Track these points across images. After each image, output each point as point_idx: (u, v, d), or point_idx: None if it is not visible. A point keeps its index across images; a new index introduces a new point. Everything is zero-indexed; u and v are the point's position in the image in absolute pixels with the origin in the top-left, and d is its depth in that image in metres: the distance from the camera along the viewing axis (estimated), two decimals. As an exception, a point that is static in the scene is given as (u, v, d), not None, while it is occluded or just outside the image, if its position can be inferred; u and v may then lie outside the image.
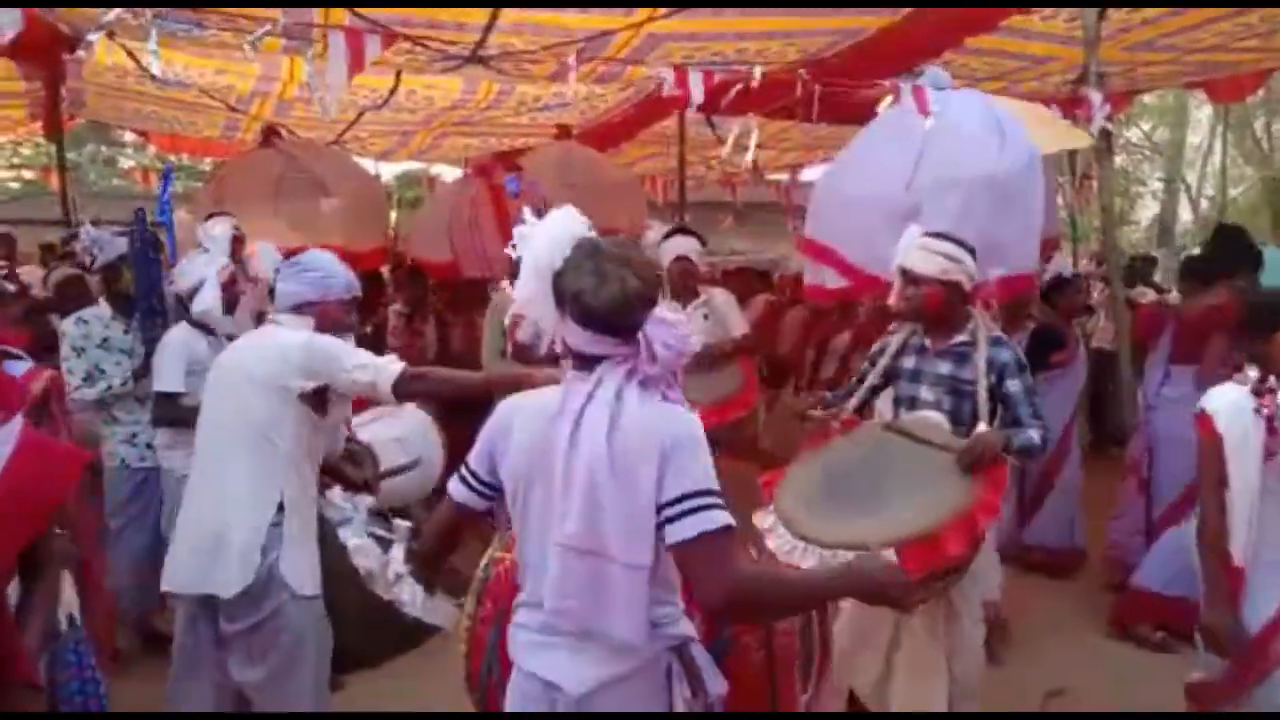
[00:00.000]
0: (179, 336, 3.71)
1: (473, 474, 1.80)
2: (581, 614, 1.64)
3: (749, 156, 6.93)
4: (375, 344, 5.89)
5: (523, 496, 1.71)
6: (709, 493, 1.61)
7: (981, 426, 2.85)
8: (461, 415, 5.57)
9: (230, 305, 3.84)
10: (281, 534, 2.49)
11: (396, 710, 3.36)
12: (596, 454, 1.60)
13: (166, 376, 3.61)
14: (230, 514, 2.52)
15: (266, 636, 2.49)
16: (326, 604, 2.50)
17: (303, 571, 2.52)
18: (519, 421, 1.73)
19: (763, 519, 2.64)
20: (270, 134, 6.27)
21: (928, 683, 2.87)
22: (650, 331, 1.63)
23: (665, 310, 1.66)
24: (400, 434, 3.87)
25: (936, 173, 3.63)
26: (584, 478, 1.61)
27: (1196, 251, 5.01)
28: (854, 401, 3.16)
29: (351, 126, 7.62)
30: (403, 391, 2.53)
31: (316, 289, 2.70)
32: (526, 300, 1.68)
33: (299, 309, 2.69)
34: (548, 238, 1.67)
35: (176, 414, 3.59)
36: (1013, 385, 2.95)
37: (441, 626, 2.48)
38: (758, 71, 4.74)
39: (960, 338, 3.03)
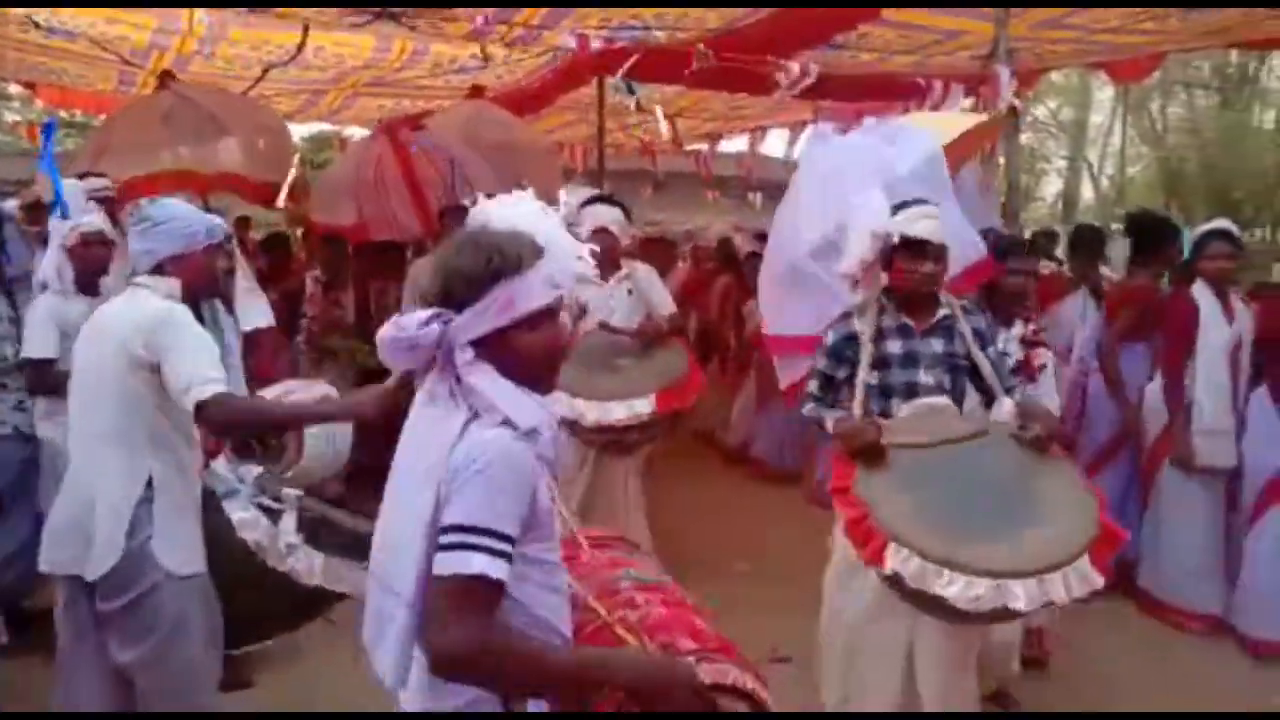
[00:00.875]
0: (46, 301, 3.54)
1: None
2: None
3: (662, 125, 6.93)
4: (289, 313, 5.71)
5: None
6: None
7: (972, 400, 2.82)
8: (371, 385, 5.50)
9: (88, 269, 3.64)
10: (152, 511, 2.39)
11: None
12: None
13: (35, 343, 3.46)
14: (95, 491, 2.41)
15: (142, 617, 2.40)
16: (216, 580, 2.42)
17: (179, 550, 2.42)
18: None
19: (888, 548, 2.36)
20: (165, 78, 5.99)
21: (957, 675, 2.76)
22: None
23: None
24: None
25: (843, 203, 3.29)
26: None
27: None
28: (858, 407, 2.86)
29: (257, 84, 7.30)
30: (206, 417, 2.33)
31: (174, 242, 2.51)
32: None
33: (160, 269, 2.51)
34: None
35: (48, 381, 3.45)
36: (992, 351, 2.90)
37: (345, 593, 2.42)
38: (660, 34, 4.73)
39: (943, 311, 2.90)
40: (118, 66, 6.72)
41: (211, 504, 2.40)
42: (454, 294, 1.45)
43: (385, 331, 1.43)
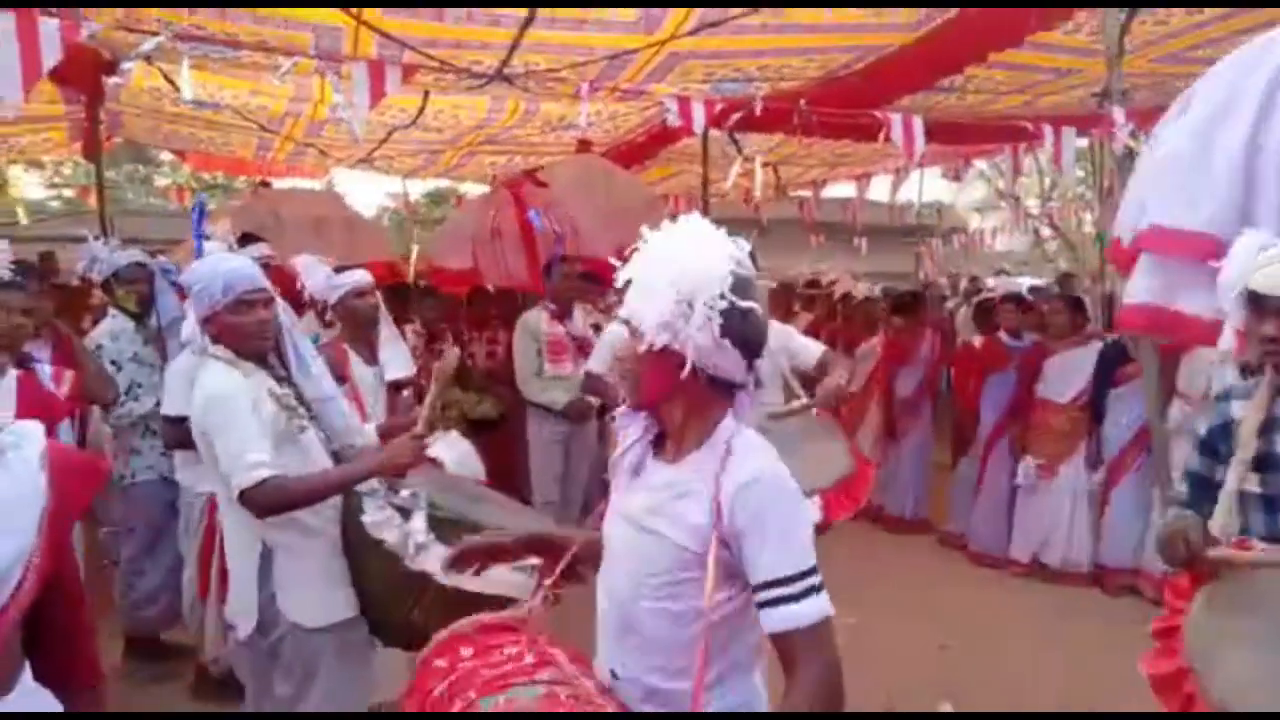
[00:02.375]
0: (185, 360, 3.53)
1: None
2: None
3: (758, 178, 6.97)
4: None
5: None
6: None
7: None
8: (482, 435, 5.67)
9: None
10: (271, 569, 2.46)
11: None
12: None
13: (171, 400, 3.54)
14: (231, 551, 2.55)
15: (282, 659, 2.50)
16: (369, 581, 2.49)
17: (305, 605, 2.47)
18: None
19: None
20: (261, 185, 6.59)
21: None
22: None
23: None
24: (449, 459, 3.79)
25: None
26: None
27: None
28: (1221, 512, 2.13)
29: (381, 145, 7.75)
30: (253, 505, 2.32)
31: (200, 304, 2.47)
32: (664, 316, 1.53)
33: (212, 334, 2.49)
34: (701, 254, 1.53)
35: (182, 438, 3.43)
36: None
37: (509, 596, 2.36)
38: (758, 101, 4.81)
39: None
40: (257, 134, 7.27)
41: (353, 502, 2.46)
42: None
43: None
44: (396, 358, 3.99)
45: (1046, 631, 4.56)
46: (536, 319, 5.18)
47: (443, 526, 2.38)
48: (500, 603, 2.37)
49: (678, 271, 1.49)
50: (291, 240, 5.94)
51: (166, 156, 14.57)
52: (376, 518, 2.40)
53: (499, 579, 2.30)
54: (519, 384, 5.12)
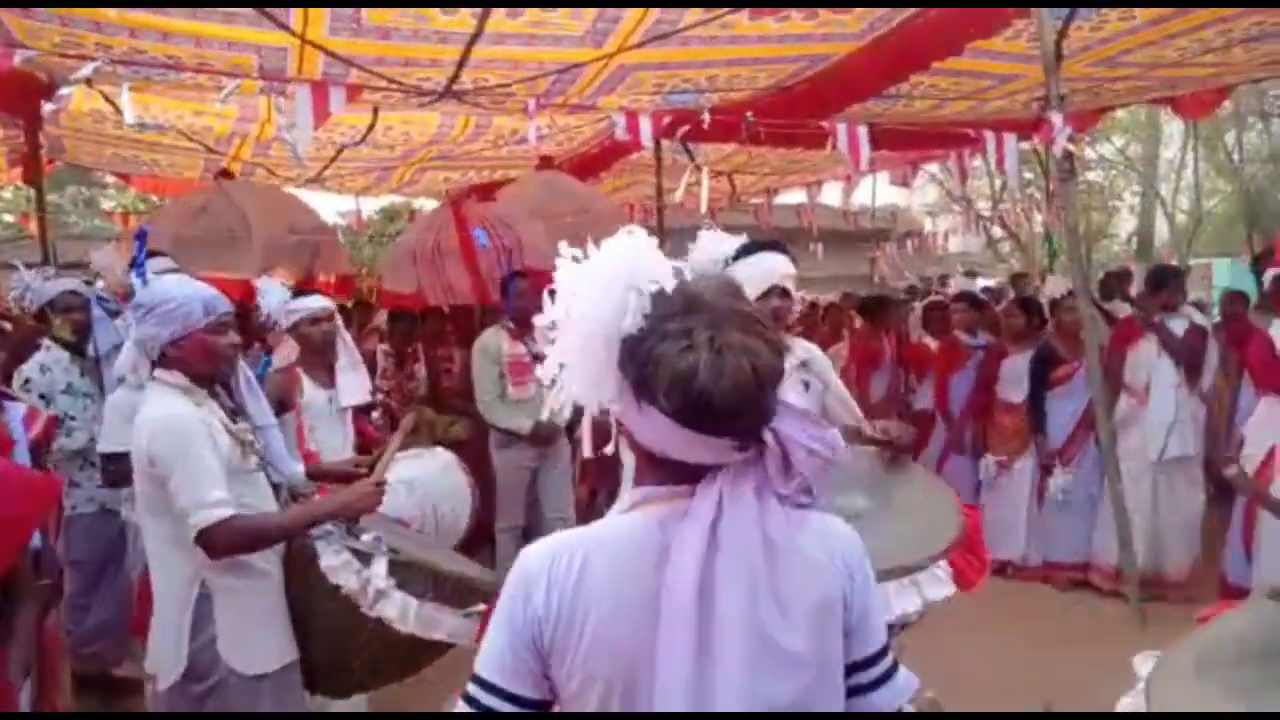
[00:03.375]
0: (121, 395, 3.42)
1: (504, 694, 1.14)
2: None
3: (704, 189, 7.06)
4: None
5: (622, 700, 1.11)
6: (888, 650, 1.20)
7: None
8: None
9: None
10: (210, 612, 2.32)
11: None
12: (755, 608, 1.08)
13: (108, 436, 3.37)
14: (158, 595, 2.39)
15: (221, 704, 2.35)
16: (320, 630, 2.40)
17: (246, 651, 2.34)
18: (590, 586, 1.12)
19: None
20: (222, 175, 6.42)
21: None
22: (784, 430, 1.11)
23: (790, 393, 1.22)
24: (411, 476, 3.69)
25: None
26: (738, 647, 1.07)
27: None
28: None
29: (330, 164, 7.69)
30: (208, 545, 2.22)
31: (168, 325, 2.34)
32: (572, 373, 1.15)
33: (164, 359, 2.36)
34: (612, 280, 1.12)
35: (120, 473, 3.28)
36: None
37: (447, 642, 2.37)
38: (706, 113, 4.88)
39: None
40: (203, 155, 7.18)
41: (305, 545, 2.38)
42: (765, 402, 1.14)
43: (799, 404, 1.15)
44: (352, 385, 3.94)
45: (1005, 627, 4.63)
46: (495, 340, 5.02)
47: (402, 572, 2.37)
48: (443, 650, 2.40)
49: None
50: (258, 250, 5.87)
51: (111, 179, 14.30)
52: (333, 561, 2.33)
53: (447, 625, 2.33)
54: (480, 409, 5.00)
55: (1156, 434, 5.03)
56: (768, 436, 1.10)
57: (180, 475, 2.22)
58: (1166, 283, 5.26)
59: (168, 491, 2.25)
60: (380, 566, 2.33)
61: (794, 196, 10.09)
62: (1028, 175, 14.92)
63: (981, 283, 7.15)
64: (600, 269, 1.14)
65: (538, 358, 5.17)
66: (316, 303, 3.86)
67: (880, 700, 1.22)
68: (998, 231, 20.20)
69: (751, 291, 2.83)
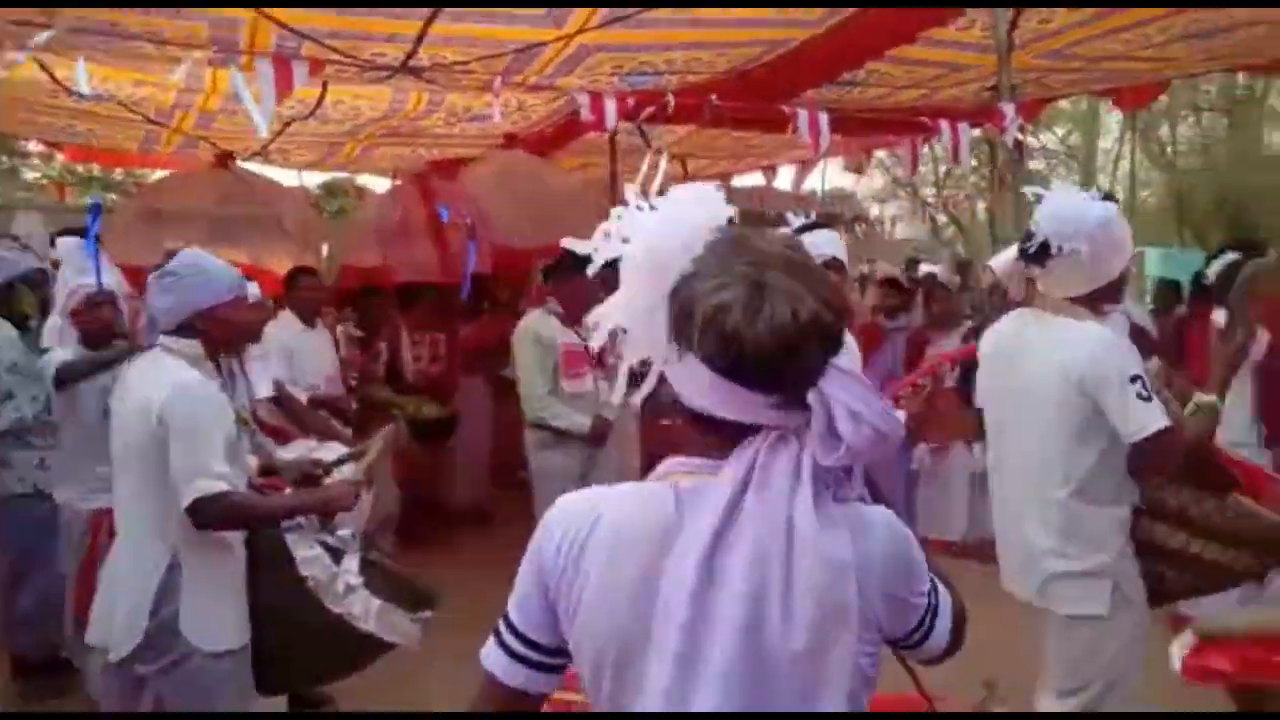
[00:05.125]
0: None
1: (524, 639, 1.15)
2: None
3: (659, 176, 7.12)
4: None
5: (612, 673, 1.09)
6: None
7: None
8: (430, 438, 5.63)
9: (93, 332, 3.61)
10: (178, 584, 2.34)
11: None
12: (757, 606, 1.02)
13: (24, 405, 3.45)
14: (120, 563, 2.42)
15: (173, 684, 2.39)
16: (278, 618, 2.44)
17: (210, 627, 2.37)
18: (595, 548, 1.09)
19: None
20: (225, 159, 6.30)
21: None
22: (831, 392, 1.03)
23: (846, 359, 1.07)
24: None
25: None
26: (733, 644, 1.02)
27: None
28: None
29: (277, 138, 7.54)
30: (199, 515, 2.27)
31: (199, 295, 2.43)
32: (626, 316, 1.11)
33: (184, 327, 2.43)
34: (675, 223, 1.09)
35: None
36: None
37: (396, 643, 2.47)
38: (670, 96, 4.90)
39: None
40: (143, 126, 6.98)
41: (274, 537, 2.43)
42: (813, 356, 1.09)
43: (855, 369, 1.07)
44: (259, 377, 3.99)
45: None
46: (547, 326, 4.51)
47: (372, 571, 2.43)
48: (381, 652, 2.47)
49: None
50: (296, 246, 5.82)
51: (36, 148, 13.80)
52: (305, 554, 2.40)
53: (402, 628, 2.42)
54: (527, 404, 4.48)
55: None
56: (812, 398, 1.03)
57: (188, 442, 2.28)
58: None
59: (163, 455, 2.28)
60: (352, 563, 2.39)
61: (750, 179, 10.18)
62: (971, 163, 15.30)
63: (925, 268, 7.36)
64: (662, 213, 1.11)
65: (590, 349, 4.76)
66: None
67: (932, 647, 1.22)
68: (942, 218, 20.66)
69: None
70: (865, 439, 1.02)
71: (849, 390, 1.03)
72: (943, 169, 19.57)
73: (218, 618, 2.40)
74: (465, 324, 6.74)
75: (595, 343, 1.15)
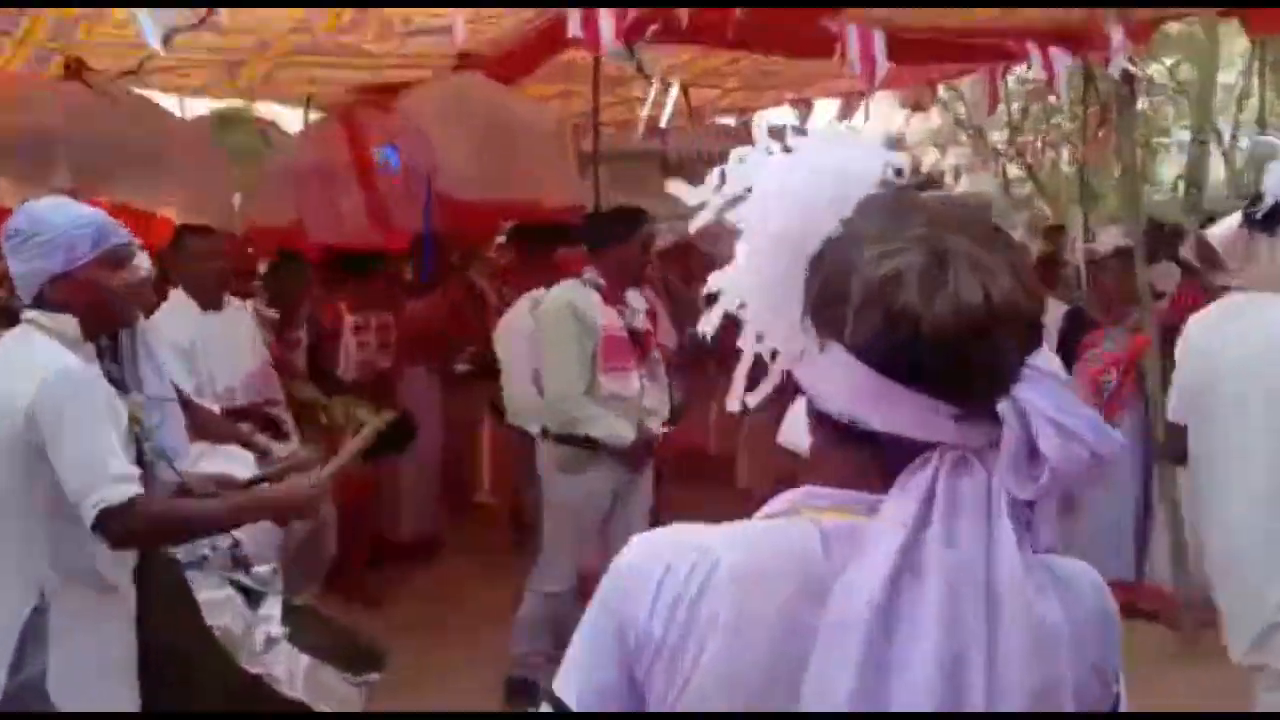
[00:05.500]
0: None
1: None
2: None
3: (669, 107, 7.08)
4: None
5: None
6: None
7: None
8: (380, 451, 5.59)
9: None
10: (46, 633, 2.32)
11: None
12: (951, 687, 0.94)
13: None
14: None
15: None
16: (175, 679, 2.41)
17: (88, 687, 2.35)
18: (713, 608, 1.01)
19: None
20: (78, 67, 6.20)
21: None
22: (1031, 400, 0.96)
23: (1044, 358, 0.99)
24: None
25: None
26: None
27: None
28: None
29: (154, 56, 7.47)
30: (111, 529, 2.26)
31: (49, 258, 2.39)
32: (749, 291, 1.07)
33: (43, 297, 2.42)
34: (812, 169, 1.05)
35: None
36: None
37: (330, 711, 2.46)
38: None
39: None
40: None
41: (172, 574, 2.42)
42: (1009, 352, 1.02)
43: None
44: None
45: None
46: (585, 301, 4.31)
47: (299, 619, 2.41)
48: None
49: None
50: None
51: None
52: (212, 596, 2.38)
53: (339, 693, 2.40)
54: (558, 403, 4.33)
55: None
56: (1004, 409, 0.96)
57: (76, 444, 2.27)
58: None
59: (30, 465, 2.27)
60: (274, 608, 2.37)
61: (774, 117, 10.17)
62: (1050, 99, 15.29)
63: (1107, 240, 7.37)
64: (803, 159, 1.07)
65: (637, 336, 4.92)
66: None
67: None
68: (1014, 170, 20.75)
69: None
70: (1075, 462, 0.94)
71: (1053, 397, 0.95)
72: (1016, 107, 19.61)
73: (96, 679, 2.38)
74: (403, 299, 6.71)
75: (708, 327, 1.10)
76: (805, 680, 0.95)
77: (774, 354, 1.10)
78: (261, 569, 2.43)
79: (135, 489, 2.28)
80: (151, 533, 2.35)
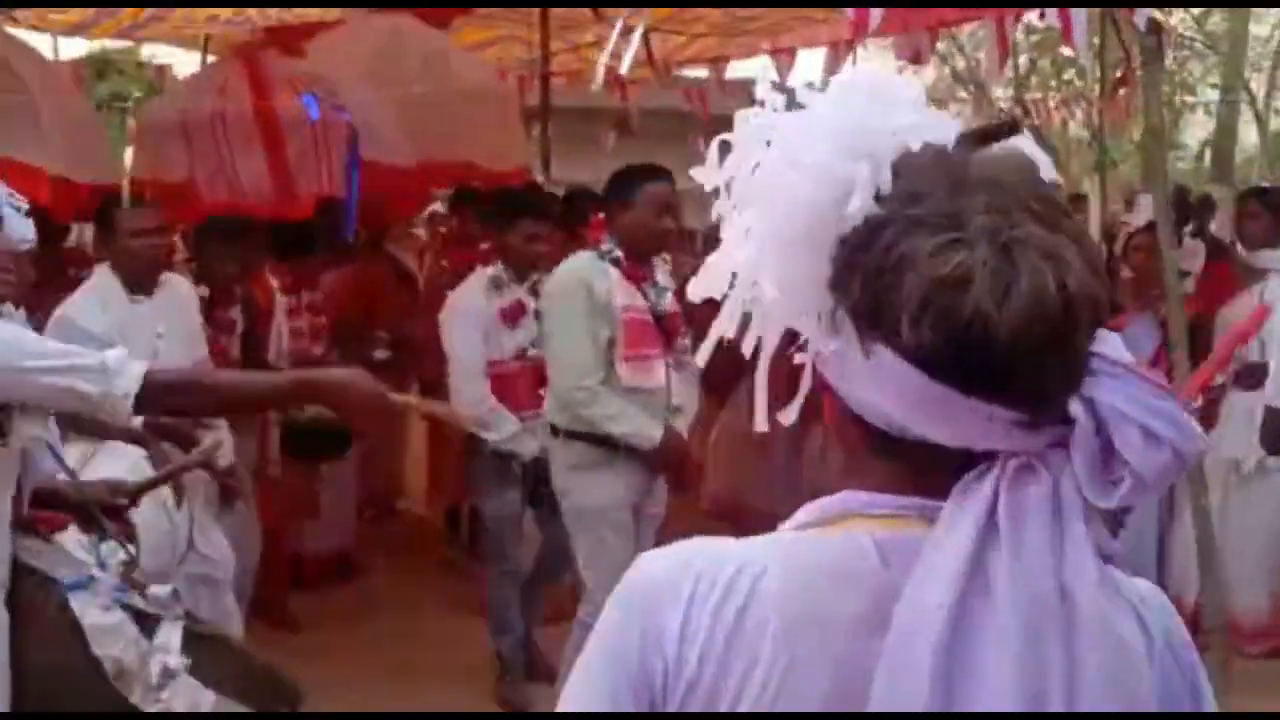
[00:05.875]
0: None
1: None
2: None
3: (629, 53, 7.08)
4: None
5: None
6: None
7: None
8: (312, 456, 5.57)
9: None
10: None
11: None
12: (1038, 704, 0.93)
13: None
14: None
15: None
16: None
17: None
18: (756, 631, 1.00)
19: None
20: None
21: None
22: (1106, 398, 0.96)
23: (1113, 343, 0.99)
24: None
25: None
26: None
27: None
28: None
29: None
30: (152, 407, 2.36)
31: None
32: (766, 271, 1.04)
33: None
34: (839, 127, 1.01)
35: None
36: None
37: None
38: None
39: None
40: None
41: (52, 596, 2.40)
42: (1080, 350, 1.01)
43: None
44: None
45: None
46: (603, 276, 4.20)
47: (202, 648, 2.39)
48: None
49: None
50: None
51: None
52: (100, 620, 2.34)
53: None
54: (564, 398, 4.27)
55: (1244, 431, 5.40)
56: (1076, 409, 0.95)
57: (40, 356, 2.31)
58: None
59: (19, 396, 2.33)
60: (173, 636, 2.34)
61: (748, 69, 10.20)
62: (1065, 52, 15.44)
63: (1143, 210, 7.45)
64: (827, 114, 1.03)
65: (659, 318, 4.86)
66: None
67: None
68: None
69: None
70: (1160, 466, 0.93)
71: (1132, 393, 0.95)
72: (1024, 59, 19.83)
73: None
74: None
75: (727, 331, 1.08)
76: (866, 707, 0.95)
77: (791, 350, 1.07)
78: (159, 591, 2.39)
79: (142, 365, 2.33)
80: (184, 404, 2.61)
